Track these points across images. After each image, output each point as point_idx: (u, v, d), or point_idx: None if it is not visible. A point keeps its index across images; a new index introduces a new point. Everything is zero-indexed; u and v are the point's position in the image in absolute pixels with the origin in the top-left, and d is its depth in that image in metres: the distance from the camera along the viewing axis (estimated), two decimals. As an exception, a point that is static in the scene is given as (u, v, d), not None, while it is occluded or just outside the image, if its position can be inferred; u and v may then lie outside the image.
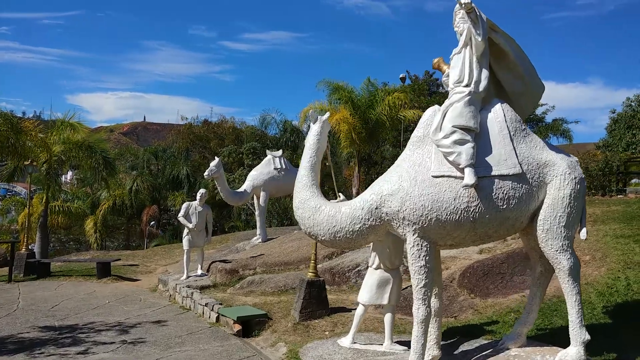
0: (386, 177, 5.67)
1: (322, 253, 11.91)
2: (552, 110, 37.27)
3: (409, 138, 5.91)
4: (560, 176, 5.41)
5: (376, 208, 5.54)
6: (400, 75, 24.79)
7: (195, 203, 12.16)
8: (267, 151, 16.24)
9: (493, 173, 5.32)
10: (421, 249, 5.40)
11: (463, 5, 5.27)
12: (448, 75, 5.92)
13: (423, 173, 5.45)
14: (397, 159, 5.89)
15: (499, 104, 5.71)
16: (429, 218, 5.30)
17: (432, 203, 5.29)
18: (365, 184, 27.30)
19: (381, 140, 27.26)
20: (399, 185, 5.46)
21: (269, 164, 15.68)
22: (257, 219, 15.68)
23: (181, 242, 12.78)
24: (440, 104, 5.88)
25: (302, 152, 6.36)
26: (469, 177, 5.20)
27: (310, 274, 8.91)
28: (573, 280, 5.33)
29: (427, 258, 5.41)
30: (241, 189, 15.43)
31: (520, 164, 5.37)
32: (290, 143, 34.15)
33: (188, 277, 11.86)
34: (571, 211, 5.39)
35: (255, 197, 15.59)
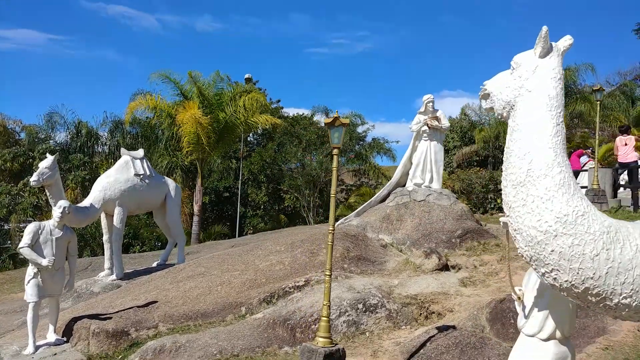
0: None
1: (252, 295, 8.32)
2: (372, 130, 38.28)
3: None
4: None
5: None
6: (246, 75, 21.66)
7: (49, 224, 7.26)
8: (123, 150, 11.60)
9: None
10: None
11: None
12: None
13: None
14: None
15: None
16: None
17: None
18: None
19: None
20: None
21: (127, 169, 11.19)
22: (107, 246, 10.98)
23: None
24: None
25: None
26: None
27: (321, 339, 5.49)
28: None
29: None
30: (85, 203, 10.59)
31: None
32: (87, 149, 28.18)
33: (36, 349, 6.99)
34: None
35: (105, 215, 10.91)
